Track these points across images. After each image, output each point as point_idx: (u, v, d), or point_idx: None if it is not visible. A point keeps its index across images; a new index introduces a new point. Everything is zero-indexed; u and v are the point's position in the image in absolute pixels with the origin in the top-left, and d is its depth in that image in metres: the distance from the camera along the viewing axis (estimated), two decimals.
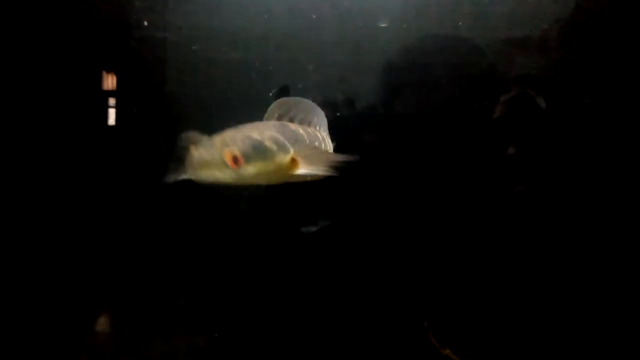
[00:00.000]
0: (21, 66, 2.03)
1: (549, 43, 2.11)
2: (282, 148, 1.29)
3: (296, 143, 1.36)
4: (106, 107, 2.10)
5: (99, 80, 2.11)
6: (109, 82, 2.10)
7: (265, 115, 1.48)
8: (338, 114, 2.18)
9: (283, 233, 2.19)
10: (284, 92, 2.08)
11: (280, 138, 1.30)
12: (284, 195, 2.11)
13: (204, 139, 1.20)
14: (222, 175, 1.16)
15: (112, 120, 2.09)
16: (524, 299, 1.98)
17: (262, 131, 1.28)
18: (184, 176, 1.16)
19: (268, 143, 1.25)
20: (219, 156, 1.15)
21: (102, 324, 2.20)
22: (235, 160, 1.16)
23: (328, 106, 2.18)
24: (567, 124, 2.06)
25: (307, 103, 1.55)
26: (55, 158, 2.11)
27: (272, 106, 1.47)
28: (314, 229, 2.16)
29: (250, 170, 1.20)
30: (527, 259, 2.02)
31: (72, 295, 2.15)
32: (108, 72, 2.10)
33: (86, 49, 2.08)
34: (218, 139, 1.20)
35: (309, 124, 1.53)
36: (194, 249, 2.21)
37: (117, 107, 2.11)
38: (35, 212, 2.10)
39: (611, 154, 2.00)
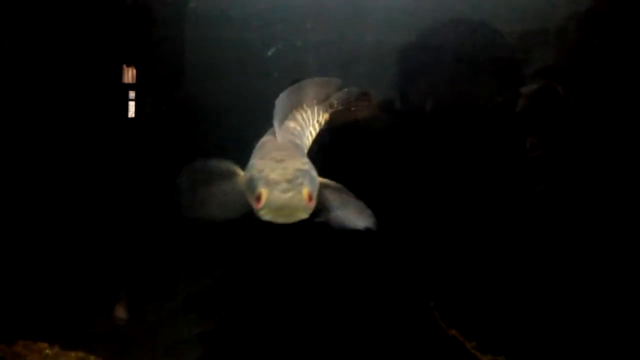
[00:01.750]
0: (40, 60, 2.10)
1: (569, 35, 2.00)
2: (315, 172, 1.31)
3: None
4: (126, 100, 2.16)
5: (119, 73, 2.16)
6: (129, 75, 2.15)
7: (279, 101, 1.46)
8: (353, 109, 2.16)
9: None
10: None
11: (308, 160, 1.32)
12: None
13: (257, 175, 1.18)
14: (302, 214, 1.16)
15: (131, 113, 2.15)
16: (531, 284, 1.94)
17: (295, 158, 1.27)
18: (265, 218, 1.15)
19: (312, 171, 1.25)
20: (302, 197, 1.15)
21: (113, 311, 2.22)
22: (310, 197, 1.17)
23: None
24: (594, 118, 1.96)
25: (312, 83, 1.58)
26: (74, 150, 2.17)
27: (283, 95, 1.47)
28: (324, 218, 2.21)
29: (314, 204, 1.21)
30: (537, 248, 1.96)
31: (84, 284, 2.21)
32: (128, 65, 2.14)
33: (106, 41, 2.12)
34: (276, 176, 1.17)
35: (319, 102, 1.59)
36: (205, 239, 2.26)
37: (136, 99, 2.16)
38: (53, 201, 2.15)
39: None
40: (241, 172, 1.36)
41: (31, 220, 2.15)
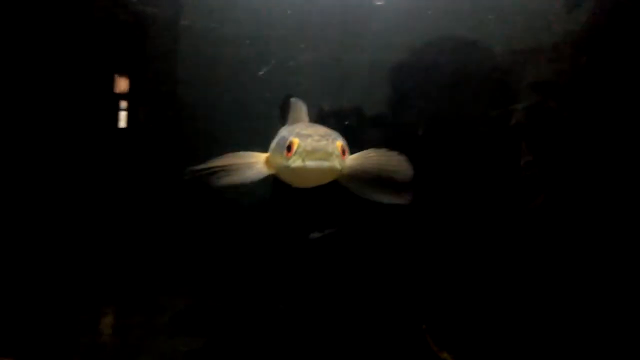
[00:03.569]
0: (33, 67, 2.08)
1: (564, 52, 2.02)
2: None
3: None
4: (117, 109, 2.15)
5: (111, 83, 2.15)
6: (121, 84, 2.14)
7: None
8: (346, 123, 2.16)
9: (287, 238, 2.24)
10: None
11: None
12: (290, 202, 2.13)
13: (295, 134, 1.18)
14: (335, 163, 1.15)
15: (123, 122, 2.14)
16: (522, 305, 1.94)
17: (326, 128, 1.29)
18: (294, 164, 1.15)
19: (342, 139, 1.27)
20: (335, 146, 1.16)
21: (102, 324, 2.23)
22: (343, 151, 1.19)
23: (335, 115, 2.18)
24: (587, 134, 1.94)
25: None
26: (65, 158, 2.17)
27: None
28: (318, 235, 2.20)
29: (346, 163, 1.22)
30: (528, 265, 1.96)
31: (73, 295, 2.19)
32: (120, 74, 2.14)
33: (99, 51, 2.11)
34: (309, 131, 1.19)
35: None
36: (198, 251, 2.23)
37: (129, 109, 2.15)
38: (43, 211, 2.14)
39: (634, 168, 1.88)
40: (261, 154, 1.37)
41: (13, 230, 2.11)
